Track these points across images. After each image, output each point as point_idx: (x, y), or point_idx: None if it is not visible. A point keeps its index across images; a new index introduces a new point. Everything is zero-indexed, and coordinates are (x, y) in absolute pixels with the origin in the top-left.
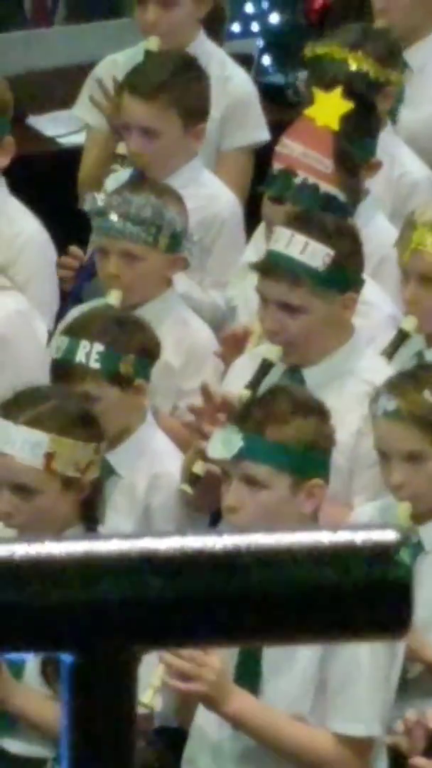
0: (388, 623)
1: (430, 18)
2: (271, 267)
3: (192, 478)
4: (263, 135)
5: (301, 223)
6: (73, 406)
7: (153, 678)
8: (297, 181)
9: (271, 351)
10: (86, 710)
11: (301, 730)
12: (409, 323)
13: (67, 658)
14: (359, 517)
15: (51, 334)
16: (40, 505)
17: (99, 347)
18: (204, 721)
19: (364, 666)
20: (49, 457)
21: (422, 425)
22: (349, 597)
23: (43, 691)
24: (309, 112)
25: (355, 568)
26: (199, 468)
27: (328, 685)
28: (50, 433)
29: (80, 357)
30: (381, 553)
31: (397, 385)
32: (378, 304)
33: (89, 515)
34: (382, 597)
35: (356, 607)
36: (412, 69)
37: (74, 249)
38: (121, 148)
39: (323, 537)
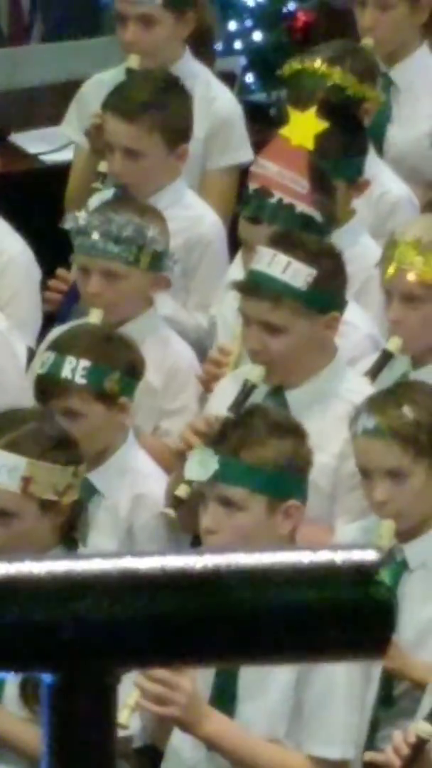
0: (368, 643)
1: (417, 36)
2: (253, 286)
3: (175, 502)
4: (248, 155)
5: (284, 242)
6: (50, 429)
7: (129, 698)
8: (272, 201)
9: (253, 372)
10: (66, 729)
11: (276, 752)
12: (394, 344)
13: (47, 677)
14: (343, 538)
15: (32, 353)
16: (18, 528)
17: (85, 363)
18: (179, 741)
19: (340, 688)
20: (27, 481)
21: (403, 442)
22: (330, 617)
23: (21, 713)
24: (284, 131)
25: (335, 588)
26: (182, 491)
27: (303, 708)
28: (27, 457)
29: (66, 372)
30: (361, 573)
31: (376, 402)
32: (357, 324)
33: (69, 537)
34: (362, 617)
35: (336, 627)
36: (399, 87)
37: (62, 272)
38: (102, 167)
39: (303, 557)
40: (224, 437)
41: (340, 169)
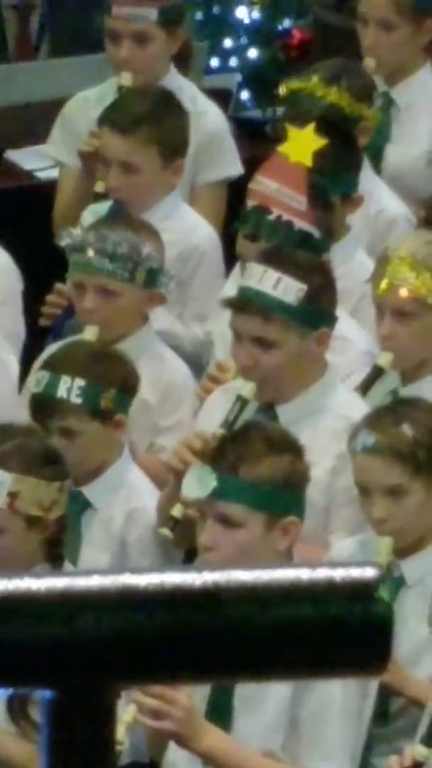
0: (367, 660)
1: (418, 55)
2: (244, 302)
3: (171, 522)
4: (236, 169)
5: (274, 258)
6: (37, 444)
7: (125, 714)
8: (271, 217)
9: (246, 388)
10: (65, 746)
11: (273, 767)
12: (385, 359)
13: (46, 694)
14: (339, 553)
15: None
16: (3, 544)
17: (80, 382)
18: (175, 756)
19: (336, 703)
20: (13, 496)
21: (402, 459)
22: (329, 634)
23: (8, 728)
24: (282, 148)
25: (335, 605)
26: (177, 511)
27: (300, 722)
28: (13, 473)
29: (61, 392)
30: (360, 590)
31: (375, 420)
32: (355, 341)
33: (54, 553)
34: (361, 634)
35: (335, 643)
36: (399, 107)
37: (60, 287)
38: (99, 186)
39: (302, 574)
40: (222, 454)
41: (334, 184)
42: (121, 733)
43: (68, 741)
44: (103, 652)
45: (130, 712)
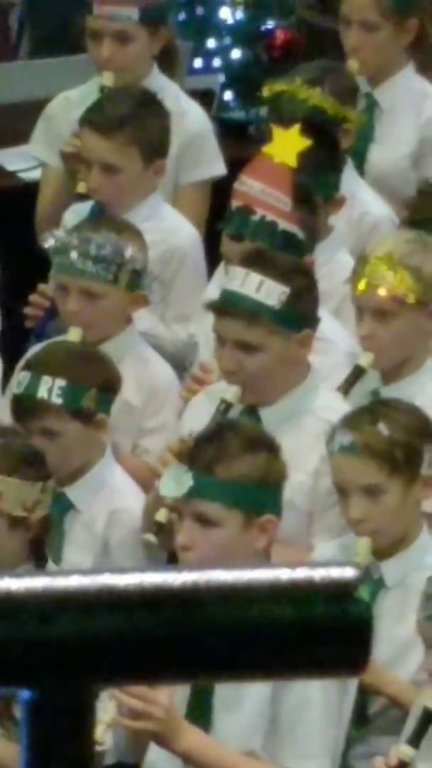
0: (346, 660)
1: (400, 56)
2: (227, 306)
3: (156, 527)
4: (220, 169)
5: (256, 261)
6: (18, 445)
7: (104, 714)
8: (255, 218)
9: (229, 391)
10: (44, 746)
11: (253, 766)
12: (365, 359)
13: (25, 694)
14: (320, 556)
15: None
16: None
17: (61, 382)
18: (156, 756)
19: (316, 702)
20: None
21: (378, 458)
22: (308, 634)
23: None
24: (267, 149)
25: (314, 605)
26: (162, 516)
27: (279, 721)
28: None
29: (42, 392)
30: (340, 591)
31: (352, 419)
32: (337, 342)
33: (38, 553)
34: (340, 634)
35: (315, 644)
36: (383, 108)
37: (44, 287)
38: (82, 187)
39: (282, 574)
40: (198, 453)
41: (316, 185)
42: (100, 733)
43: (47, 741)
44: (81, 652)
45: (110, 712)
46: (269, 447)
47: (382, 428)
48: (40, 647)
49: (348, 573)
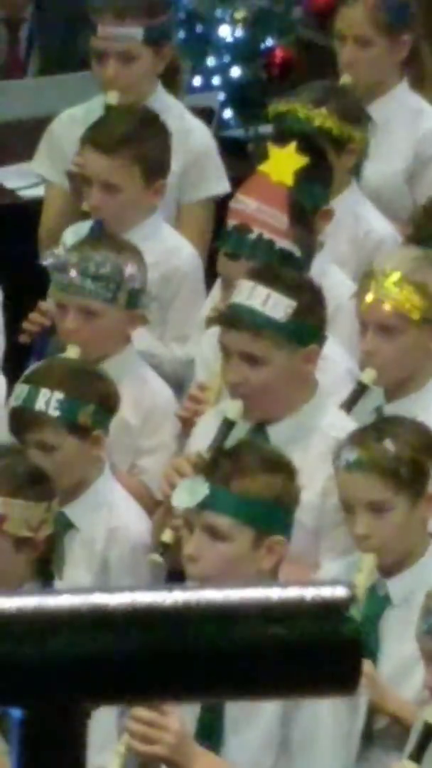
0: (337, 679)
1: (396, 72)
2: (233, 318)
3: (161, 547)
4: (223, 187)
5: (264, 275)
6: (23, 465)
7: (118, 745)
8: (252, 236)
9: (232, 409)
10: (36, 765)
11: None
12: (368, 376)
13: (16, 713)
14: (327, 575)
15: None
16: None
17: (59, 395)
18: None
19: (326, 721)
20: (1, 519)
21: (384, 475)
22: (299, 653)
23: None
24: (263, 167)
25: (305, 624)
26: (167, 536)
27: (290, 741)
28: (1, 496)
29: (40, 405)
30: (331, 610)
31: (358, 436)
32: (335, 359)
33: (44, 572)
34: (331, 653)
35: (306, 663)
36: (377, 123)
37: (43, 305)
38: (86, 206)
39: (273, 593)
40: (215, 467)
41: (302, 195)
42: (117, 765)
43: (39, 760)
44: (73, 671)
45: (123, 742)
46: (287, 470)
47: (389, 445)
48: (32, 666)
49: (338, 592)
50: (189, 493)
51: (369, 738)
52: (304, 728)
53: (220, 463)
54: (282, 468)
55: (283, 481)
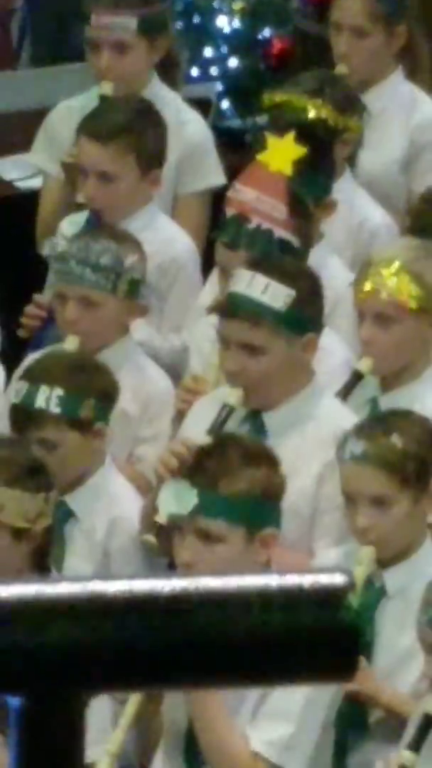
0: (335, 667)
1: (391, 62)
2: (232, 307)
3: (155, 528)
4: (219, 179)
5: (263, 264)
6: (21, 456)
7: (109, 744)
8: (250, 227)
9: (231, 395)
10: (34, 752)
11: (234, 733)
12: (364, 364)
13: (15, 701)
14: (324, 562)
15: None
16: None
17: (59, 392)
18: (161, 765)
19: (298, 700)
20: None
21: (389, 469)
22: (297, 641)
23: None
24: (262, 157)
25: (303, 612)
26: (161, 517)
27: (260, 711)
28: None
29: (40, 402)
30: (329, 597)
31: (365, 428)
32: (332, 350)
33: (41, 564)
34: (329, 641)
35: (304, 651)
36: (372, 113)
37: (39, 298)
38: (81, 197)
39: (271, 581)
40: (199, 469)
41: (304, 186)
42: (107, 765)
43: (37, 747)
44: (71, 659)
45: (115, 743)
46: (269, 460)
47: (396, 439)
48: (30, 655)
49: (337, 580)
50: (176, 500)
51: (364, 730)
52: (275, 699)
53: (205, 465)
54: (264, 459)
55: (267, 473)
